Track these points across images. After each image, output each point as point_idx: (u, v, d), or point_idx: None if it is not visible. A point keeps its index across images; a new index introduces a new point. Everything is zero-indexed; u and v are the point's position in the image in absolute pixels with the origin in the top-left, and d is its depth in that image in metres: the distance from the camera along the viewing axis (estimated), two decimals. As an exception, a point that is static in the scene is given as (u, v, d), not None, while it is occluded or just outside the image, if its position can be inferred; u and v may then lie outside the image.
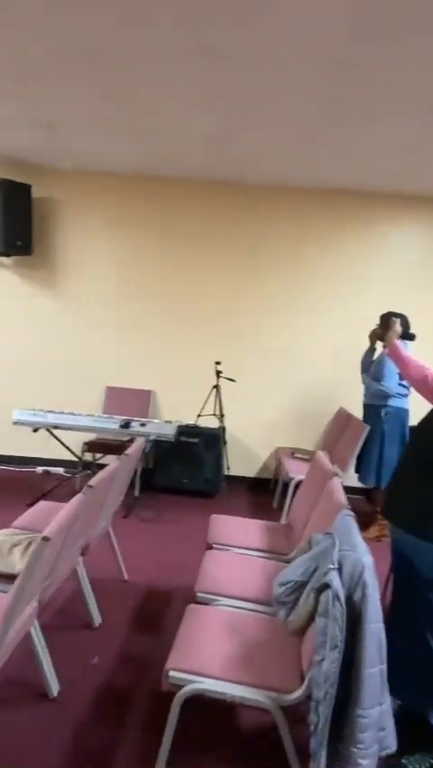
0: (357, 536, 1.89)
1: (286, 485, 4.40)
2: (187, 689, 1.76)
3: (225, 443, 4.99)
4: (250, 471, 5.36)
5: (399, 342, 4.08)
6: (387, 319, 4.17)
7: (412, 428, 2.26)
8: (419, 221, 5.04)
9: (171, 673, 1.80)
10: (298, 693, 1.75)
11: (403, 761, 1.99)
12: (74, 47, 2.76)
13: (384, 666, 1.68)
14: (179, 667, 1.81)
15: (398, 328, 3.09)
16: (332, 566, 1.76)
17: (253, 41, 2.57)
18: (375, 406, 4.22)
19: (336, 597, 1.65)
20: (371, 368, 4.32)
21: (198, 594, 2.33)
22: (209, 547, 2.80)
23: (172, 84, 3.10)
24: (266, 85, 3.02)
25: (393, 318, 3.18)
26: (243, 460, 5.31)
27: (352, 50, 2.57)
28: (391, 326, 3.17)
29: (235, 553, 2.74)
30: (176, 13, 2.41)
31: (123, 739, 2.07)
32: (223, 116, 3.51)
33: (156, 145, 4.17)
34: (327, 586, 1.70)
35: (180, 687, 1.78)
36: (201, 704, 1.82)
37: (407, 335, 4.12)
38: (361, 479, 4.31)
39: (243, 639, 1.99)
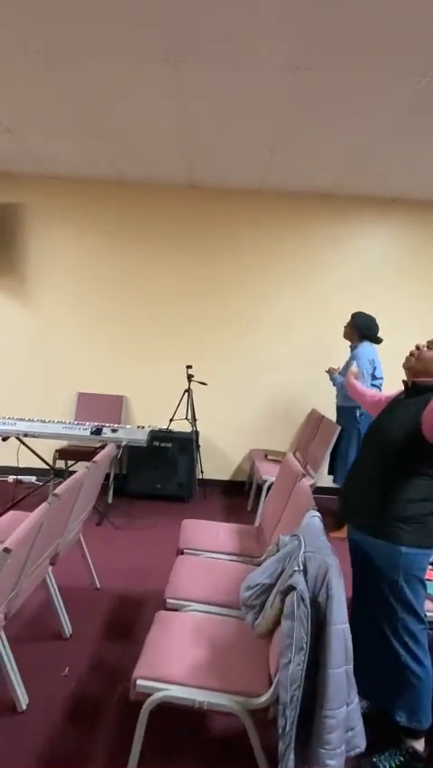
0: (323, 537, 1.90)
1: (260, 487, 4.41)
2: (154, 697, 1.75)
3: (198, 446, 4.98)
4: (224, 475, 5.36)
5: (365, 345, 4.17)
6: (355, 317, 4.23)
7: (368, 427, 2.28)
8: (386, 223, 5.11)
9: (139, 682, 1.79)
10: (265, 697, 1.75)
11: (374, 759, 2.00)
12: (34, 48, 2.74)
13: (350, 666, 1.69)
14: (147, 675, 1.80)
15: (354, 369, 3.12)
16: (297, 568, 1.76)
17: (216, 45, 2.58)
18: (349, 408, 4.24)
19: (301, 598, 1.65)
20: (344, 370, 4.36)
21: (168, 600, 2.31)
22: (180, 552, 2.79)
23: (135, 86, 3.10)
24: (230, 89, 3.04)
25: (351, 363, 3.18)
26: (217, 463, 5.32)
27: (314, 53, 2.60)
28: (349, 368, 3.15)
29: (206, 558, 2.74)
30: (139, 17, 2.41)
31: (93, 750, 2.05)
32: (186, 120, 3.51)
33: (121, 149, 4.16)
34: (292, 588, 1.71)
35: (148, 695, 1.77)
36: (172, 710, 1.80)
37: (374, 338, 4.21)
38: (336, 480, 4.34)
39: (211, 644, 1.98)
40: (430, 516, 2.00)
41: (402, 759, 1.99)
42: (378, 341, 4.20)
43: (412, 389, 2.10)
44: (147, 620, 2.90)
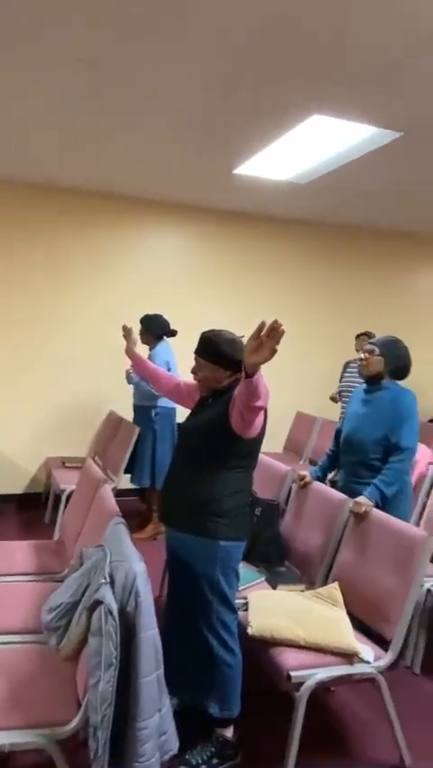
0: (128, 545, 1.85)
1: (58, 497, 4.20)
2: None
3: (-14, 460, 4.57)
4: (17, 488, 5.00)
5: (161, 345, 4.24)
6: (145, 321, 4.28)
7: (178, 430, 2.33)
8: (177, 225, 5.27)
9: None
10: (74, 723, 1.64)
11: (186, 757, 2.02)
12: None
13: (161, 671, 1.67)
14: None
15: (135, 336, 2.75)
16: (104, 580, 1.69)
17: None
18: (145, 407, 4.28)
19: (109, 612, 1.58)
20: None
21: (-43, 638, 2.05)
22: (-31, 581, 2.50)
23: None
24: (16, 80, 2.81)
25: (124, 327, 2.77)
26: (8, 475, 4.93)
27: (104, 50, 2.52)
28: (126, 337, 2.74)
29: (1, 583, 2.50)
30: None
31: None
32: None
33: None
34: (98, 602, 1.63)
35: None
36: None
37: (168, 333, 4.31)
38: (134, 480, 4.33)
39: (10, 677, 1.80)
40: (245, 507, 2.12)
41: (214, 750, 2.04)
42: (173, 333, 4.31)
43: (214, 394, 2.19)
44: None
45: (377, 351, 2.81)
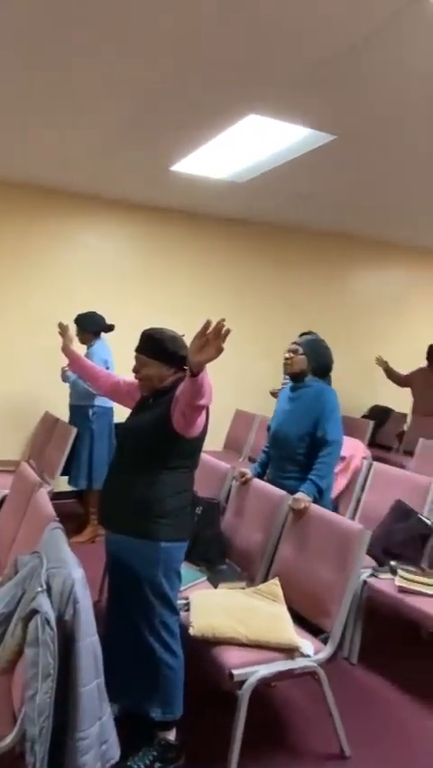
0: (65, 550, 1.80)
1: (-10, 502, 4.03)
2: None
3: None
4: None
5: (98, 343, 4.16)
6: (80, 321, 4.18)
7: (117, 431, 2.28)
8: (112, 222, 5.18)
9: None
10: (9, 738, 1.58)
11: (129, 763, 1.98)
12: None
13: (102, 679, 1.63)
14: None
15: (71, 333, 2.71)
16: (40, 588, 1.63)
17: None
18: (82, 407, 4.19)
19: (46, 621, 1.53)
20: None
21: None
22: None
23: None
24: None
25: (60, 324, 2.71)
26: None
27: (37, 45, 2.43)
28: (62, 334, 2.67)
29: None
30: None
31: None
32: None
33: None
34: (35, 612, 1.57)
35: None
36: None
37: (105, 329, 4.23)
38: (71, 481, 4.23)
39: None
40: (187, 507, 2.10)
41: (156, 753, 2.02)
42: (110, 328, 4.24)
43: (155, 394, 2.16)
44: None
45: (300, 350, 2.92)
